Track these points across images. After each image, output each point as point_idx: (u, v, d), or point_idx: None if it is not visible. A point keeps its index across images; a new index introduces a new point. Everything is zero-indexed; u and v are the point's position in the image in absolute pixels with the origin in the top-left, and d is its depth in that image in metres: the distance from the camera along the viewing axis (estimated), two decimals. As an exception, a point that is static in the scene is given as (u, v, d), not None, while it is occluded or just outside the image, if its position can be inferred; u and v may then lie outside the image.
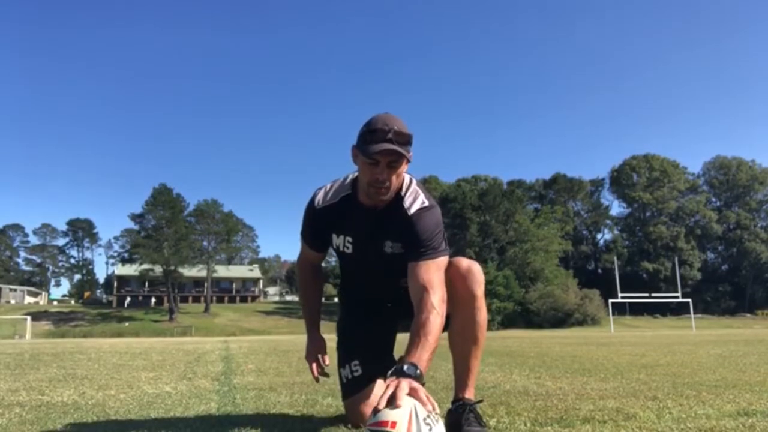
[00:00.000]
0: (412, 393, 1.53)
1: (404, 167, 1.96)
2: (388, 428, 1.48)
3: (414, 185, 2.06)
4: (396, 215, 2.01)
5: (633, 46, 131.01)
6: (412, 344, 1.72)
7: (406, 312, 2.09)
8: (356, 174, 2.07)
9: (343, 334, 2.35)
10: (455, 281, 2.00)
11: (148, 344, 14.17)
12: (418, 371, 1.62)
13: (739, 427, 2.00)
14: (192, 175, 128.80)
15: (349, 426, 2.09)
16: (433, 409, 1.53)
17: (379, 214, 2.05)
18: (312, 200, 2.15)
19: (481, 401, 2.01)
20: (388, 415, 1.50)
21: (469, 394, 2.00)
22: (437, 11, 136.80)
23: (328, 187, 2.16)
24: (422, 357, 1.68)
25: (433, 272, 1.91)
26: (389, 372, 1.65)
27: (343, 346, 2.32)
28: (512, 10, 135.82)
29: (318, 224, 2.16)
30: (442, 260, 1.98)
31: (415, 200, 2.02)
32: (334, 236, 2.16)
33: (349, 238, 2.13)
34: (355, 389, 2.17)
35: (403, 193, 2.03)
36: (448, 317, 1.97)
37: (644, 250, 75.57)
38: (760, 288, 75.64)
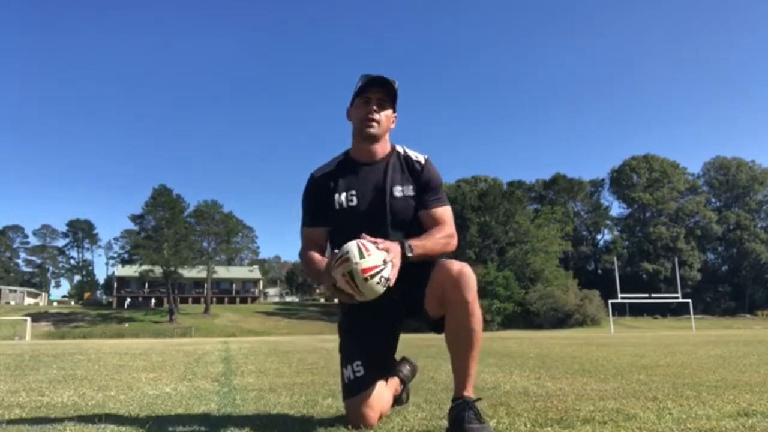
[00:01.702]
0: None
1: (392, 116, 2.25)
2: (344, 257, 1.90)
3: (405, 147, 2.31)
4: (404, 164, 2.25)
5: (633, 47, 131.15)
6: (421, 236, 2.10)
7: (411, 305, 2.12)
8: (347, 148, 2.33)
9: (346, 333, 2.35)
10: (446, 285, 2.04)
11: (148, 345, 14.17)
12: (408, 245, 2.02)
13: (739, 427, 2.00)
14: (192, 176, 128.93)
15: (349, 427, 2.09)
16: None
17: (381, 165, 2.24)
18: (310, 177, 2.30)
19: (479, 399, 2.02)
20: (336, 255, 1.95)
21: (469, 393, 2.02)
22: (437, 12, 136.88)
23: (322, 164, 2.33)
24: (418, 244, 2.05)
25: (444, 216, 2.22)
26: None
27: (346, 347, 2.32)
28: (512, 11, 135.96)
29: (319, 192, 2.26)
30: (447, 208, 2.26)
31: (417, 154, 2.30)
32: (336, 196, 2.23)
33: (352, 192, 2.23)
34: (356, 390, 2.17)
35: (400, 150, 2.29)
36: (442, 319, 2.10)
37: (644, 250, 75.55)
38: (760, 288, 75.61)
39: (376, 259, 1.90)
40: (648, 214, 79.63)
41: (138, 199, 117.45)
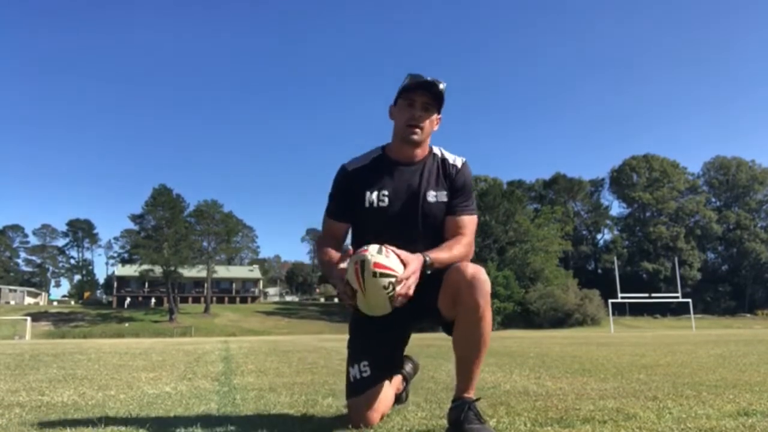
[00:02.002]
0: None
1: (436, 117, 2.19)
2: (360, 255, 1.88)
3: (443, 149, 2.28)
4: (440, 167, 2.22)
5: (633, 47, 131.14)
6: (434, 249, 2.05)
7: (424, 306, 2.09)
8: (384, 144, 2.28)
9: (356, 331, 2.31)
10: (459, 288, 1.98)
11: (148, 345, 14.17)
12: (429, 261, 1.98)
13: (739, 427, 2.00)
14: (192, 176, 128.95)
15: (350, 426, 2.09)
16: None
17: (417, 167, 2.20)
18: (341, 168, 2.25)
19: (479, 399, 2.02)
20: (349, 275, 1.90)
21: (469, 395, 2.01)
22: (437, 11, 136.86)
23: (356, 156, 2.27)
24: (437, 258, 2.01)
25: (468, 226, 2.19)
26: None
27: (354, 344, 2.29)
28: (512, 10, 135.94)
29: (350, 186, 2.21)
30: (474, 218, 2.24)
31: (456, 157, 2.27)
32: (367, 193, 2.18)
33: (384, 191, 2.18)
34: (361, 390, 2.16)
35: (437, 152, 2.25)
36: (452, 323, 2.05)
37: (644, 250, 75.56)
38: (760, 288, 75.64)
39: (393, 264, 1.87)
40: (648, 214, 79.63)
41: (138, 199, 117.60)
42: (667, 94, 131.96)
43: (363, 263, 1.85)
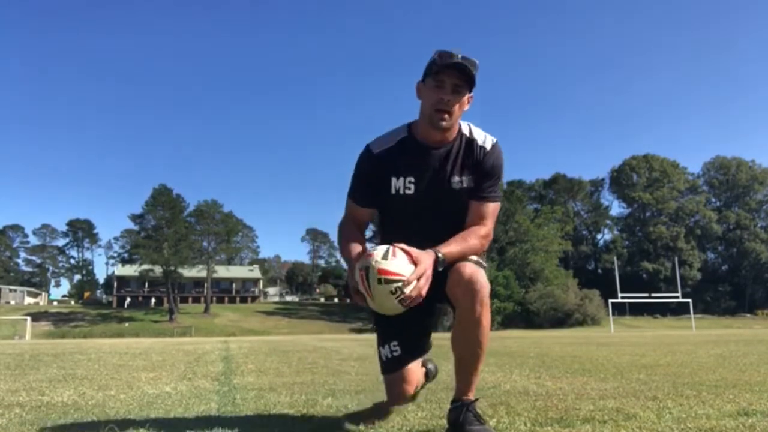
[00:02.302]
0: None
1: (468, 99, 2.03)
2: (365, 262, 1.85)
3: (473, 126, 2.13)
4: (468, 150, 2.08)
5: (633, 47, 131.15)
6: (448, 241, 1.97)
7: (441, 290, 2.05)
8: (410, 122, 2.14)
9: (381, 314, 2.19)
10: (457, 290, 1.95)
11: (148, 344, 14.17)
12: (442, 258, 1.91)
13: (739, 427, 2.00)
14: (192, 176, 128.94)
15: (349, 427, 2.09)
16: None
17: (445, 151, 2.07)
18: (366, 149, 2.13)
19: (477, 399, 2.01)
20: (357, 282, 1.87)
21: (468, 396, 2.00)
22: (436, 10, 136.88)
23: (381, 136, 2.14)
24: (451, 253, 1.94)
25: (490, 213, 2.10)
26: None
27: (382, 327, 2.25)
28: (512, 10, 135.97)
29: (375, 171, 2.10)
30: (498, 205, 2.14)
31: (485, 137, 2.11)
32: (393, 179, 2.09)
33: (410, 179, 2.08)
34: (394, 368, 2.20)
35: (466, 132, 2.10)
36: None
37: (644, 250, 75.55)
38: (760, 288, 75.63)
39: (400, 267, 1.81)
40: (648, 214, 79.63)
41: (138, 199, 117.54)
42: (667, 94, 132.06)
43: (367, 270, 1.82)
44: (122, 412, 2.60)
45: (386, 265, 1.80)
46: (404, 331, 2.20)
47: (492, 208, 2.11)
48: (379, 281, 1.80)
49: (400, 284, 1.80)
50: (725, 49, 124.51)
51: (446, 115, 1.98)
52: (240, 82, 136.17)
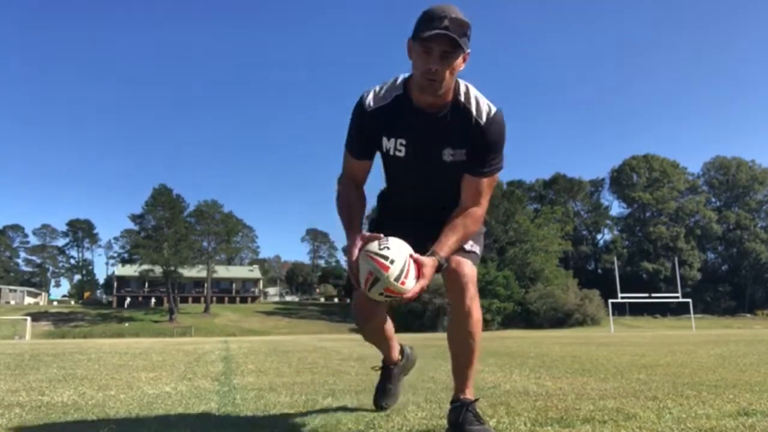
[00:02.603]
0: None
1: (460, 62, 1.86)
2: (372, 279, 1.80)
3: (472, 90, 1.98)
4: (462, 122, 1.94)
5: (633, 46, 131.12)
6: (445, 237, 1.92)
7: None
8: (407, 74, 1.98)
9: (375, 228, 2.19)
10: (447, 282, 1.99)
11: (148, 344, 14.16)
12: (443, 263, 1.89)
13: (739, 427, 2.01)
14: (192, 176, 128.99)
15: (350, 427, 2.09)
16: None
17: (440, 119, 1.94)
18: (360, 102, 2.01)
19: (477, 400, 2.02)
20: (363, 273, 1.82)
21: (467, 395, 2.01)
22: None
23: (378, 88, 2.02)
24: (449, 249, 1.91)
25: (486, 187, 2.01)
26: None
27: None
28: (512, 8, 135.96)
29: (368, 127, 2.01)
30: (496, 177, 2.03)
31: (481, 106, 1.95)
32: (384, 139, 2.01)
33: (402, 140, 2.00)
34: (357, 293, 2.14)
35: (463, 99, 1.95)
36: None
37: (644, 250, 75.54)
38: (760, 288, 75.61)
39: (406, 287, 1.80)
40: (648, 214, 79.62)
41: (138, 199, 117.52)
42: (667, 94, 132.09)
43: (375, 281, 1.79)
44: (122, 412, 2.60)
45: (395, 287, 1.79)
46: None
47: (487, 183, 2.01)
48: (381, 294, 1.81)
49: (398, 299, 1.82)
50: (725, 49, 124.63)
51: (436, 84, 1.85)
52: (240, 81, 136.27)
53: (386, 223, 2.17)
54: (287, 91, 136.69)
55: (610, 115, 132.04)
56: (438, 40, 1.78)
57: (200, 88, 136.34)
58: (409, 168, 2.05)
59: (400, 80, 2.00)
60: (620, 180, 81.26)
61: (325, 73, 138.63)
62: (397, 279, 1.78)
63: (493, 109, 1.95)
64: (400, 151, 2.01)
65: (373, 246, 1.84)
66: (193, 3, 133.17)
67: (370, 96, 2.00)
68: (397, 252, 1.81)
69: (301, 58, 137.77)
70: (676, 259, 55.26)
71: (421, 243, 1.96)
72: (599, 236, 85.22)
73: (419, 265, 1.83)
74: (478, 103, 1.95)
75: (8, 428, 2.22)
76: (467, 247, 2.01)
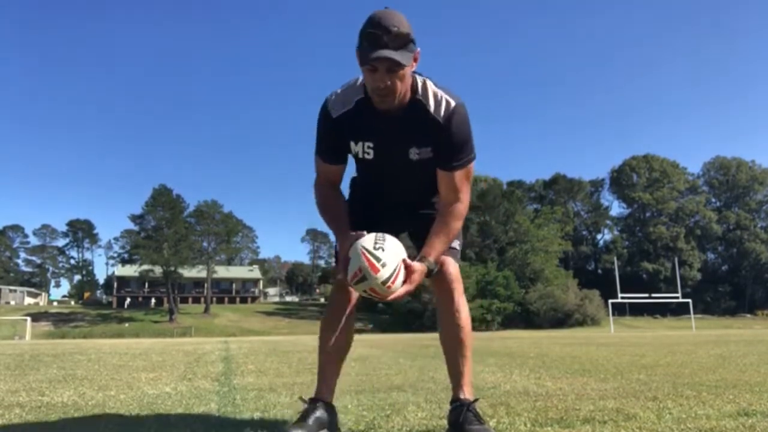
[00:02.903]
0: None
1: (409, 69, 1.84)
2: (360, 275, 1.78)
3: (430, 86, 1.95)
4: (421, 121, 1.92)
5: (633, 47, 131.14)
6: (433, 241, 1.96)
7: (419, 222, 2.13)
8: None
9: (353, 202, 2.22)
10: (434, 285, 2.08)
11: (148, 345, 14.16)
12: (432, 268, 1.93)
13: (739, 427, 2.00)
14: (192, 176, 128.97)
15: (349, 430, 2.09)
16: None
17: (401, 119, 1.93)
18: (325, 109, 2.01)
19: (477, 400, 2.02)
20: (352, 267, 1.80)
21: (466, 394, 2.02)
22: (437, 12, 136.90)
23: (339, 91, 2.01)
24: (437, 252, 1.95)
25: (463, 179, 2.00)
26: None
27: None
28: (512, 8, 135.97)
29: (335, 133, 2.01)
30: (472, 165, 2.01)
31: (439, 103, 1.93)
32: (352, 143, 2.02)
33: (369, 143, 2.01)
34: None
35: (420, 97, 1.93)
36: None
37: (644, 250, 75.55)
38: (760, 288, 75.62)
39: (391, 290, 1.81)
40: (648, 214, 79.63)
41: (138, 199, 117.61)
42: (667, 94, 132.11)
43: (361, 279, 1.79)
44: (122, 413, 2.60)
45: (380, 289, 1.80)
46: (363, 219, 2.12)
47: (461, 176, 1.99)
48: (365, 292, 1.83)
49: (377, 298, 1.84)
50: (725, 48, 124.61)
51: (388, 98, 1.85)
52: (240, 81, 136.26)
53: (356, 208, 2.16)
54: (288, 91, 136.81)
55: (610, 115, 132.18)
56: (380, 60, 1.76)
57: (200, 88, 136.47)
58: (379, 168, 2.08)
59: (360, 82, 1.97)
60: (620, 180, 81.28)
61: (326, 73, 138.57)
62: (384, 282, 1.78)
63: (453, 103, 1.93)
64: (368, 153, 2.02)
65: (368, 242, 1.82)
66: (194, 2, 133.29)
67: (333, 102, 2.00)
68: (390, 255, 1.81)
69: (302, 58, 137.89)
70: (676, 260, 55.27)
71: (390, 230, 2.00)
72: (599, 236, 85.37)
73: (410, 272, 1.84)
74: (436, 99, 1.93)
75: (8, 428, 2.22)
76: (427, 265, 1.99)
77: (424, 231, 2.03)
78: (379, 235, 1.86)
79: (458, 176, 1.98)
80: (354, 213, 2.09)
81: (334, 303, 2.13)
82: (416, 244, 2.16)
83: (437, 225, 2.00)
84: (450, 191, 2.01)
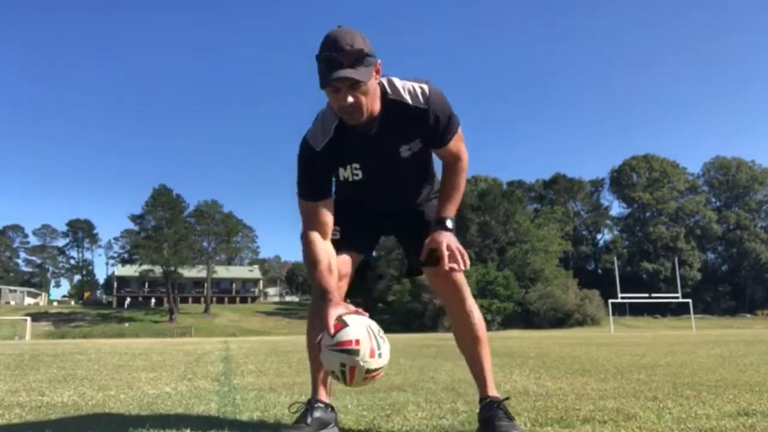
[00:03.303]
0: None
1: (373, 82, 1.83)
2: (353, 346, 1.67)
3: (396, 82, 1.95)
4: (404, 116, 1.93)
5: (633, 46, 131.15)
6: (446, 201, 2.06)
7: (405, 226, 2.21)
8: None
9: (339, 205, 2.16)
10: (439, 289, 2.15)
11: (148, 345, 14.16)
12: (448, 225, 2.01)
13: (739, 427, 2.00)
14: (192, 176, 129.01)
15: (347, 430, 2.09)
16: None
17: (382, 126, 1.94)
18: (307, 147, 1.99)
19: (508, 398, 2.11)
20: (349, 334, 1.68)
21: (493, 392, 2.10)
22: (437, 12, 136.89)
23: (314, 127, 2.01)
24: (452, 211, 2.05)
25: (458, 143, 2.06)
26: (432, 227, 2.01)
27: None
28: (511, 7, 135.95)
29: (322, 166, 1.99)
30: (459, 133, 2.06)
31: (414, 93, 1.93)
32: (341, 170, 2.03)
33: (356, 165, 2.02)
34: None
35: (393, 96, 1.93)
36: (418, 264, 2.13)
37: (644, 250, 75.55)
38: (760, 288, 75.61)
39: (355, 383, 1.70)
40: (648, 214, 79.62)
41: (138, 199, 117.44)
42: (667, 94, 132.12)
43: (351, 352, 1.67)
44: (122, 413, 2.60)
45: (358, 373, 1.68)
46: (350, 221, 2.13)
47: (455, 142, 2.04)
48: (342, 365, 1.69)
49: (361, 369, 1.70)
50: (725, 48, 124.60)
51: (357, 115, 1.84)
52: (240, 81, 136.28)
53: (342, 217, 2.10)
54: (288, 91, 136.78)
55: (610, 114, 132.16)
56: (339, 80, 1.75)
57: (200, 87, 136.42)
58: (370, 183, 2.09)
59: (329, 111, 1.97)
60: (620, 180, 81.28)
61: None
62: (368, 371, 1.69)
63: (425, 87, 1.94)
64: (357, 174, 2.04)
65: (375, 325, 1.75)
66: (194, 2, 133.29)
67: (313, 137, 1.99)
68: (386, 352, 1.73)
69: (302, 58, 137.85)
70: (676, 259, 55.22)
71: (377, 234, 2.12)
72: (599, 236, 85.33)
73: (436, 242, 1.95)
74: (409, 91, 1.94)
75: (8, 428, 2.22)
76: (449, 224, 2.02)
77: (410, 231, 2.17)
78: (380, 327, 1.77)
79: (453, 144, 2.04)
80: (340, 222, 2.06)
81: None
82: (404, 249, 2.27)
83: (446, 186, 2.09)
84: (449, 157, 2.08)
